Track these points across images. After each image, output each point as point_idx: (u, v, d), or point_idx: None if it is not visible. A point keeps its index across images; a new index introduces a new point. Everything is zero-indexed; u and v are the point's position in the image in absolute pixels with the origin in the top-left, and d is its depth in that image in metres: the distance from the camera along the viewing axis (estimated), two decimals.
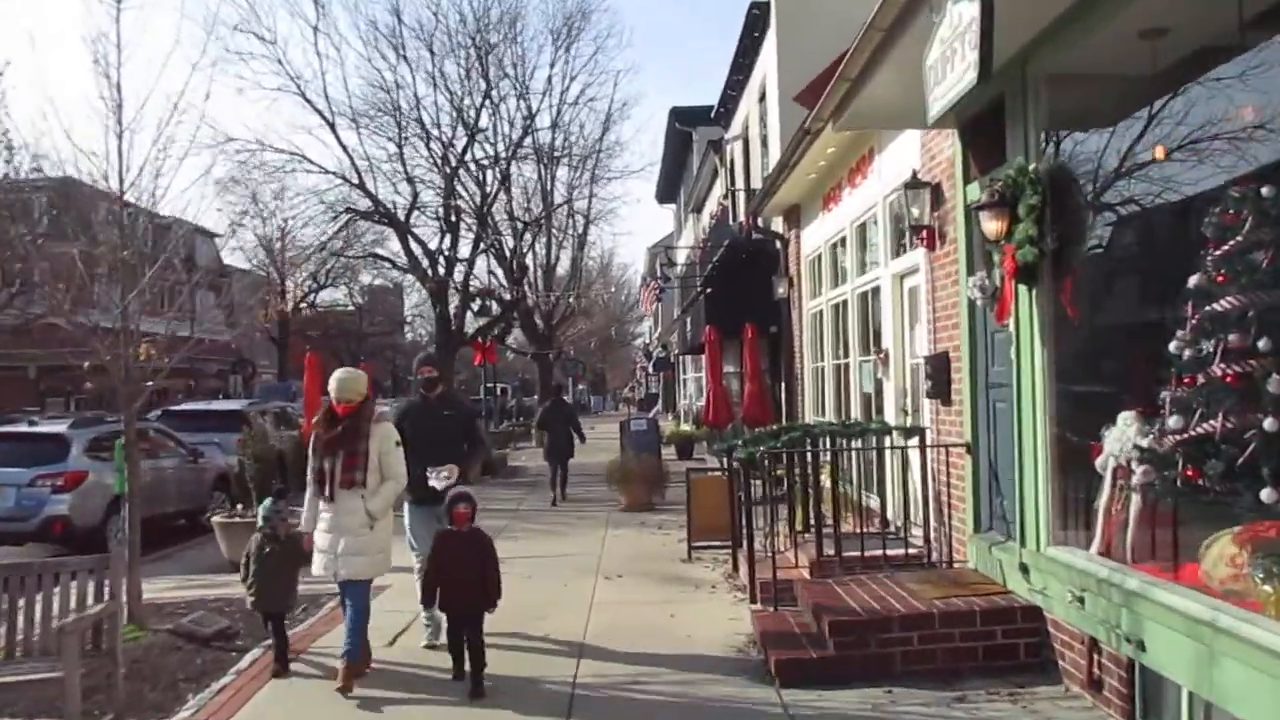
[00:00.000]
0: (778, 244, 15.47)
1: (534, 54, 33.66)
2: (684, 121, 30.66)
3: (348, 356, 69.40)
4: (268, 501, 7.05)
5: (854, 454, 9.02)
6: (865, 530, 8.12)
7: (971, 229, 7.14)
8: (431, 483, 7.01)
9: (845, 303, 11.62)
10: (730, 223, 17.27)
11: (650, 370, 52.97)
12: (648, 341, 67.44)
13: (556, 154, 25.34)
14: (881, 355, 9.69)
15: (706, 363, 14.94)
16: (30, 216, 39.09)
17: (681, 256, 28.12)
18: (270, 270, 62.95)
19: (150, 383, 8.83)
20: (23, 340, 39.03)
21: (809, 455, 8.63)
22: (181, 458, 14.76)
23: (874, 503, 8.80)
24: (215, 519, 11.39)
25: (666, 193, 42.63)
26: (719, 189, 23.89)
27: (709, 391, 14.90)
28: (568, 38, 25.35)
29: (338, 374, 6.53)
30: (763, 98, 17.04)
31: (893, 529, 8.66)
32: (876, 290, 10.23)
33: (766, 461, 8.54)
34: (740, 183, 18.66)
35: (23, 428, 13.55)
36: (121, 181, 8.30)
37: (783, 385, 15.50)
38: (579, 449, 17.52)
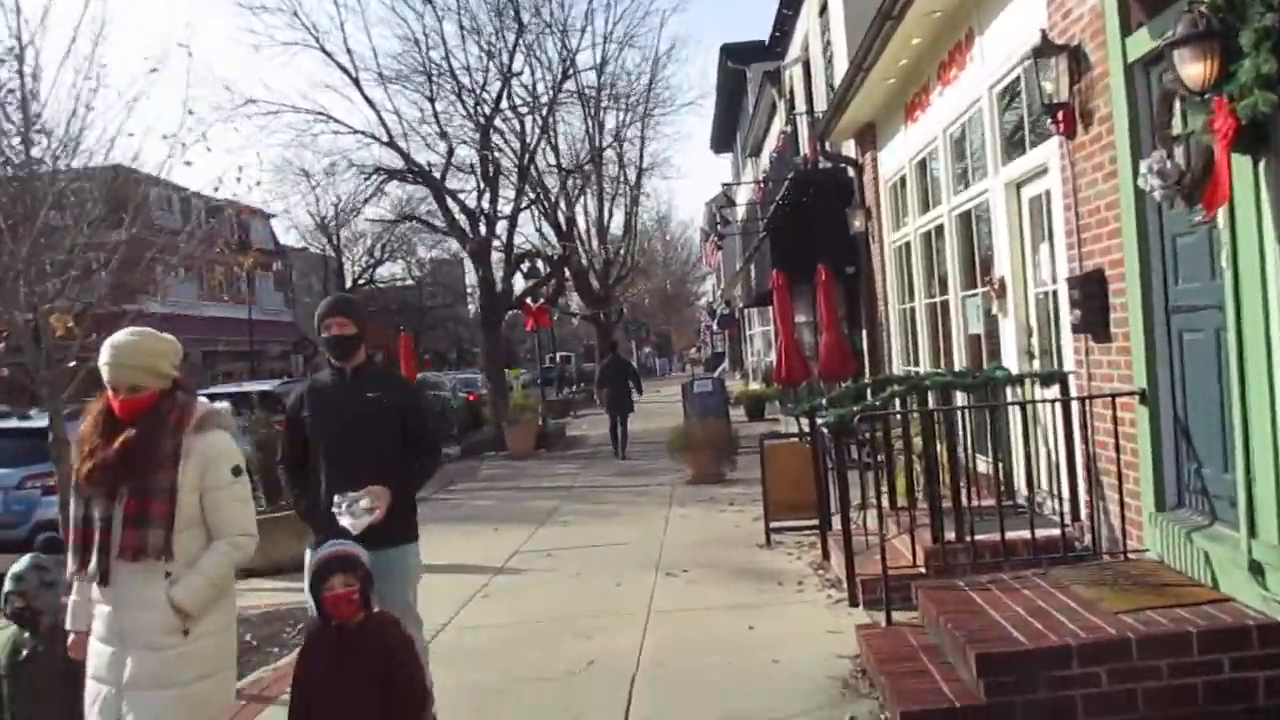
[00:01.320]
0: (850, 172, 13.50)
1: None
2: (736, 59, 28.51)
3: (409, 331, 69.36)
4: (22, 562, 4.02)
5: (972, 411, 7.16)
6: (981, 504, 6.34)
7: (1135, 96, 5.21)
8: (343, 521, 4.14)
9: (940, 229, 9.69)
10: (794, 156, 15.34)
11: (715, 328, 51.08)
12: (711, 299, 65.57)
13: (601, 97, 23.47)
14: (995, 286, 7.78)
15: (775, 313, 13.11)
16: (82, 206, 38.98)
17: (742, 202, 26.16)
18: (326, 247, 62.63)
19: (74, 362, 7.17)
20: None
21: (918, 415, 6.77)
22: None
23: (987, 467, 6.98)
24: None
25: (722, 140, 40.47)
26: (778, 125, 21.83)
27: (780, 345, 13.07)
28: None
29: (112, 340, 3.57)
30: (824, 8, 15.00)
31: (1020, 501, 6.83)
32: (983, 208, 8.30)
33: (863, 425, 6.70)
34: (802, 108, 16.66)
35: (12, 423, 12.25)
36: None
37: (864, 333, 13.60)
38: (641, 412, 17.75)
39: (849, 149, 13.37)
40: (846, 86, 10.77)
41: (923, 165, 10.41)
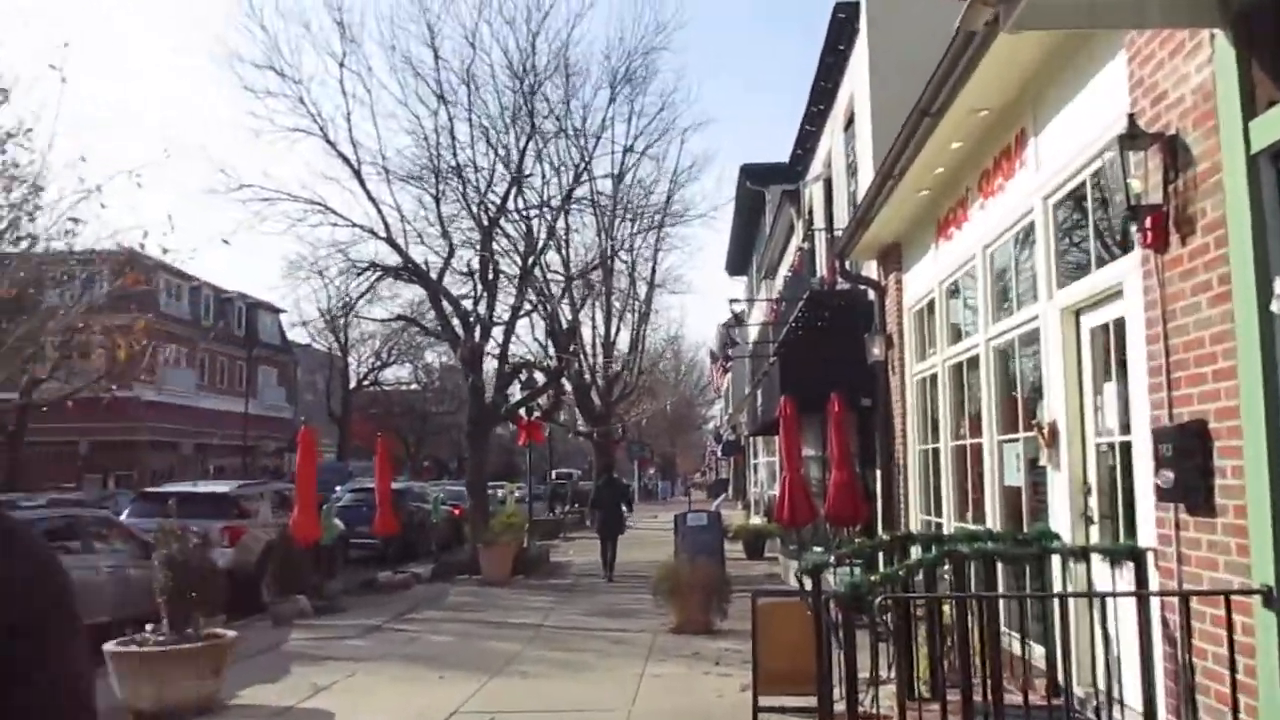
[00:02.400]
0: (870, 295, 12.35)
1: (589, 94, 31.45)
2: (756, 180, 27.85)
3: (411, 436, 67.85)
4: None
5: (1018, 586, 5.75)
6: (1028, 700, 4.90)
7: (1260, 196, 3.98)
8: None
9: (973, 361, 8.43)
10: (810, 276, 14.26)
11: (719, 454, 49.61)
12: (719, 424, 64.20)
13: (615, 206, 22.60)
14: (1045, 432, 6.45)
15: (781, 444, 11.78)
16: (76, 287, 38.31)
17: (755, 323, 25.07)
18: (333, 347, 61.92)
19: None
20: (62, 414, 37.62)
21: (951, 591, 5.35)
22: (128, 553, 11.99)
23: (1034, 652, 5.56)
24: (109, 646, 8.38)
25: (738, 263, 39.75)
26: (795, 245, 20.88)
27: (784, 481, 11.69)
28: (627, 81, 22.74)
29: None
30: (849, 123, 14.09)
31: (1075, 704, 5.36)
32: (1030, 337, 7.05)
33: (881, 602, 5.28)
34: (821, 225, 15.63)
35: None
36: None
37: (878, 474, 12.21)
38: (635, 539, 18.53)
39: (870, 270, 12.24)
40: (873, 198, 9.66)
41: (954, 289, 9.22)
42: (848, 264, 12.09)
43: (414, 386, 66.16)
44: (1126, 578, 5.01)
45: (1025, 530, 6.83)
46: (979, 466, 8.34)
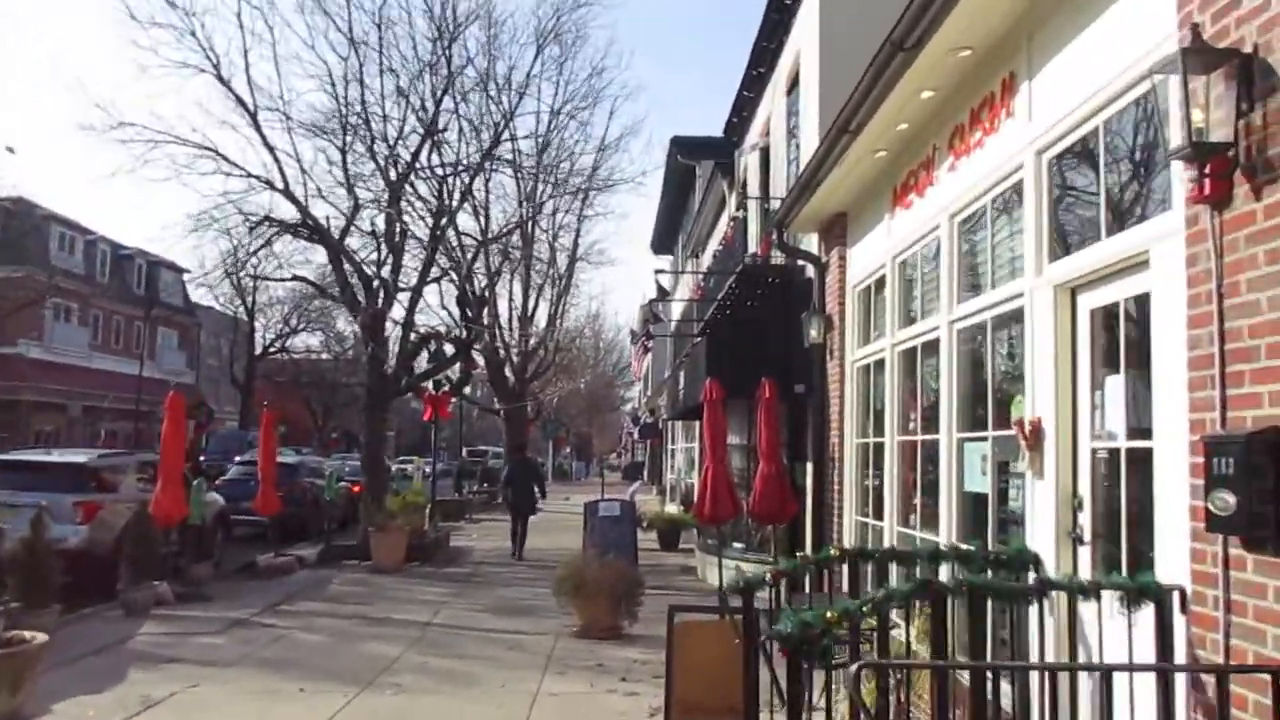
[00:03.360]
0: (809, 271, 11.28)
1: (514, 52, 29.84)
2: (687, 153, 26.64)
3: (319, 407, 65.35)
4: None
5: (994, 616, 4.69)
6: None
7: None
8: None
9: (931, 346, 7.37)
10: (743, 251, 13.13)
11: (636, 436, 48.59)
12: (636, 406, 63.21)
13: (539, 170, 21.21)
14: (1026, 433, 5.38)
15: (705, 432, 10.64)
16: None
17: (678, 307, 23.93)
18: (239, 310, 59.21)
19: None
20: None
21: (928, 635, 4.25)
22: None
23: (1007, 698, 4.53)
24: None
25: (664, 241, 38.58)
26: (727, 218, 19.77)
27: (707, 472, 10.56)
28: (555, 37, 21.31)
29: None
30: (793, 86, 12.97)
31: None
32: (1007, 319, 5.99)
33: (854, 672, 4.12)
34: (758, 204, 14.50)
35: None
36: None
37: (808, 467, 11.18)
38: (545, 523, 18.50)
39: (810, 245, 11.15)
40: (822, 158, 8.53)
41: (910, 264, 8.15)
42: (786, 236, 10.98)
43: (324, 356, 63.80)
44: (1144, 624, 3.95)
45: (991, 547, 5.79)
46: (932, 467, 7.30)
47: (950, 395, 6.79)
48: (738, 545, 13.03)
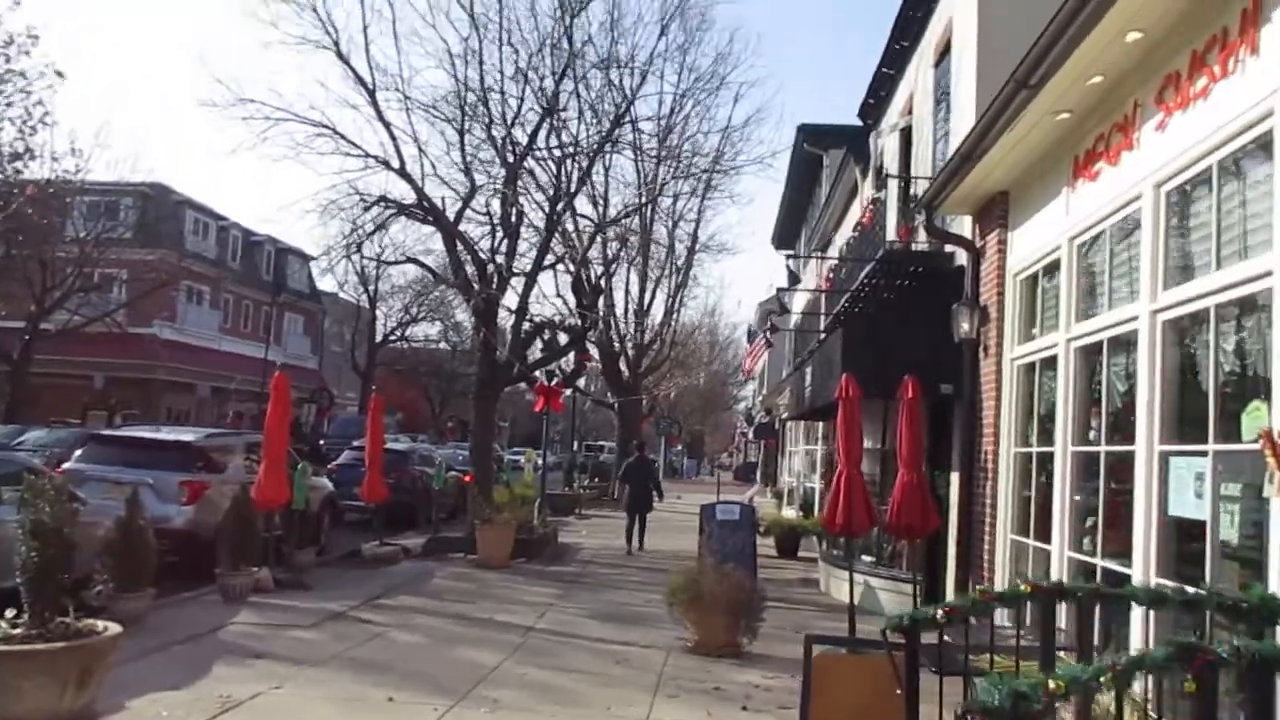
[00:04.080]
0: (960, 258, 10.14)
1: (638, 33, 29.09)
2: (814, 142, 25.52)
3: (437, 395, 66.04)
4: None
5: None
6: None
7: None
8: None
9: (1123, 340, 6.23)
10: (882, 237, 11.96)
11: (750, 437, 47.43)
12: (750, 405, 62.03)
13: (660, 153, 20.31)
14: (1278, 447, 4.25)
15: (839, 433, 9.59)
16: (106, 217, 36.61)
17: (800, 303, 22.82)
18: (361, 299, 60.27)
19: None
20: (73, 348, 36.12)
21: None
22: None
23: None
24: None
25: (785, 237, 37.38)
26: (858, 211, 18.58)
27: (840, 478, 9.50)
28: (679, 14, 20.40)
29: None
30: (942, 56, 11.80)
31: None
32: (1239, 308, 4.85)
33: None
34: (886, 191, 13.28)
35: None
36: None
37: (953, 476, 10.04)
38: (657, 522, 18.37)
39: (961, 229, 10.01)
40: (988, 124, 7.43)
41: (1093, 246, 6.99)
42: (935, 219, 9.85)
43: (442, 345, 64.45)
44: None
45: (1209, 585, 4.66)
46: (1119, 484, 6.16)
47: (1152, 400, 5.65)
48: (867, 558, 11.94)
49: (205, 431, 14.99)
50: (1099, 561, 6.35)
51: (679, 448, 73.91)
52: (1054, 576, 7.07)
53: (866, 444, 12.30)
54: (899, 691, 4.17)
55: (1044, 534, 7.57)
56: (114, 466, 12.68)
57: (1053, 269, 7.72)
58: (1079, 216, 7.04)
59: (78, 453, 13.62)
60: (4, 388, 33.71)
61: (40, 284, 31.76)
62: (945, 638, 4.39)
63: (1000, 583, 8.47)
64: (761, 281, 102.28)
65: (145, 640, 8.61)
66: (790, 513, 21.43)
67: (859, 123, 18.83)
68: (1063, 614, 5.66)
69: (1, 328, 31.91)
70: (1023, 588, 4.27)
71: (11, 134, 25.38)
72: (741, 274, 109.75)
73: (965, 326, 9.28)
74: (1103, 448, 6.49)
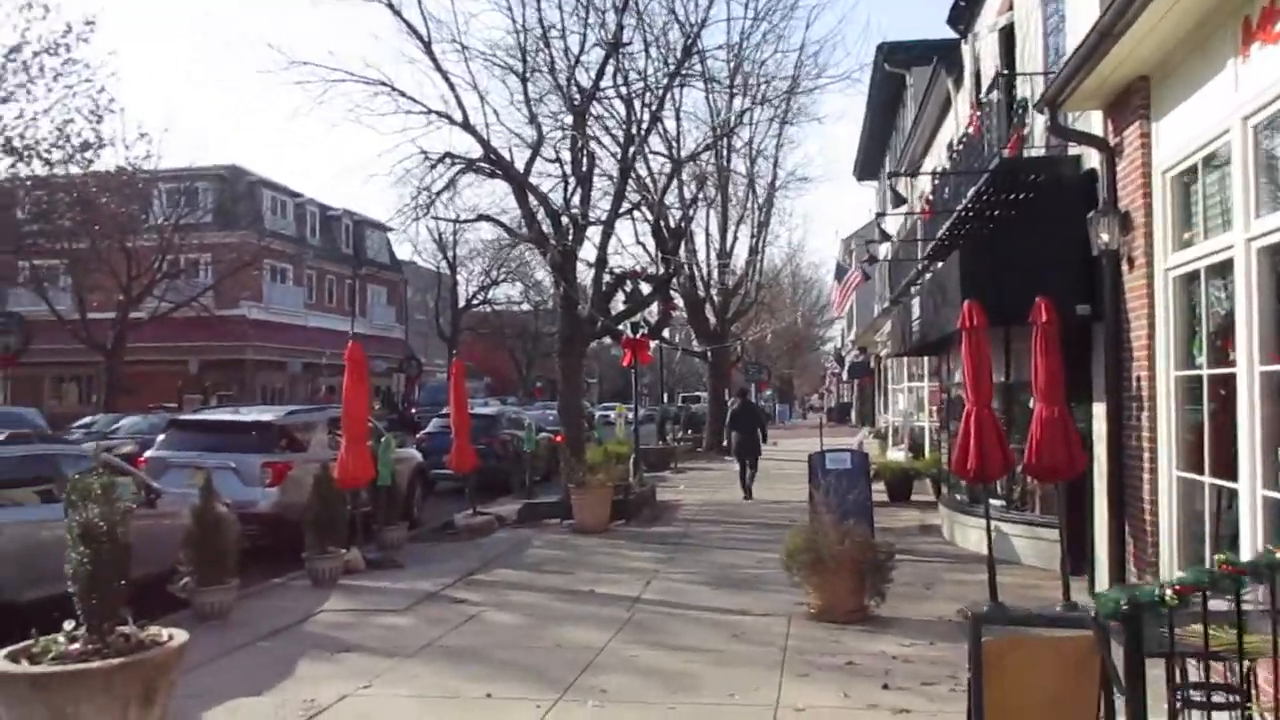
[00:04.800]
0: (1091, 160, 8.95)
1: None
2: (897, 61, 23.97)
3: (523, 357, 65.90)
4: None
5: None
6: None
7: None
8: None
9: None
10: (995, 145, 10.72)
11: (845, 376, 46.13)
12: (839, 345, 60.53)
13: (732, 82, 19.19)
14: None
15: (966, 367, 8.57)
16: (185, 203, 36.83)
17: (892, 228, 21.48)
18: (441, 265, 60.15)
19: None
20: (165, 334, 36.59)
21: None
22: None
23: None
24: None
25: (868, 167, 35.75)
26: (952, 128, 17.19)
27: (969, 418, 8.51)
28: None
29: None
30: None
31: None
32: None
33: None
34: (999, 92, 11.95)
35: None
36: None
37: (1095, 408, 8.94)
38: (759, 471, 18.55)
39: (1091, 124, 8.80)
40: None
41: (1274, 126, 5.82)
42: (1059, 117, 8.64)
43: (525, 306, 64.14)
44: None
45: None
46: None
47: None
48: (995, 502, 10.90)
49: (286, 409, 14.54)
50: None
51: (768, 392, 72.88)
52: (1244, 520, 6.03)
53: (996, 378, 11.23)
54: (1116, 692, 3.25)
55: (1225, 469, 6.48)
56: (195, 452, 12.30)
57: (1215, 160, 6.55)
58: (1255, 90, 5.86)
59: (159, 439, 13.30)
60: (101, 377, 34.32)
61: (126, 273, 32.06)
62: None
63: (1167, 526, 7.41)
64: (844, 217, 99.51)
65: (230, 636, 8.12)
66: (897, 454, 20.35)
67: (945, 36, 17.41)
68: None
69: (94, 319, 32.42)
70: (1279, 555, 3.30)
71: (80, 124, 25.39)
72: (823, 210, 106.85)
73: (1105, 237, 8.13)
74: None
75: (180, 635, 5.82)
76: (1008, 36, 12.63)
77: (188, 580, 8.85)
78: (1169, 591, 3.27)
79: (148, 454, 12.88)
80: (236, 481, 11.92)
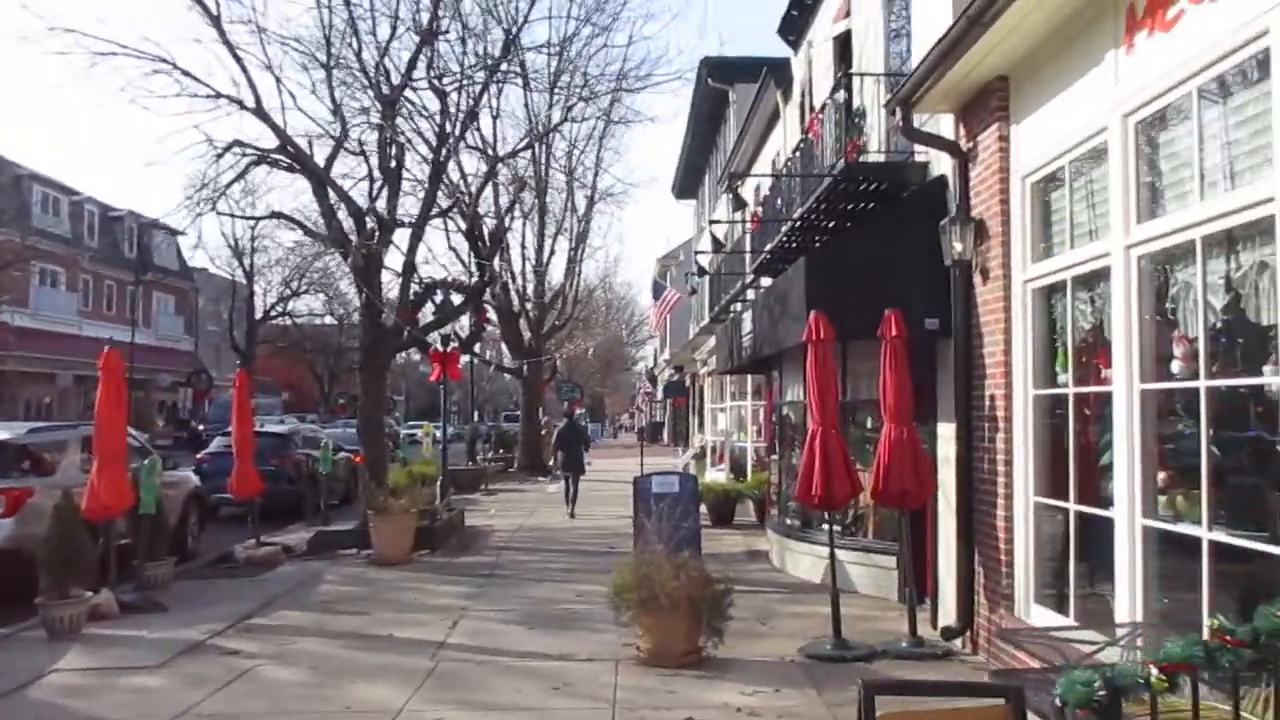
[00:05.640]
0: (936, 167, 8.49)
1: None
2: (720, 76, 23.74)
3: (325, 372, 62.63)
4: None
5: None
6: None
7: None
8: None
9: (1220, 239, 4.59)
10: (833, 150, 10.16)
11: (659, 396, 45.89)
12: (651, 364, 60.59)
13: (555, 80, 18.26)
14: None
15: (810, 385, 7.86)
16: None
17: (706, 241, 21.06)
18: (237, 273, 56.39)
19: None
20: None
21: None
22: None
23: None
24: None
25: (687, 185, 35.65)
26: (777, 144, 16.84)
27: (814, 440, 7.81)
28: None
29: None
30: None
31: None
32: None
33: None
34: (843, 91, 11.47)
35: None
36: None
37: (944, 429, 8.42)
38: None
39: (941, 127, 8.33)
40: None
41: (1166, 119, 5.34)
42: (910, 120, 8.10)
43: (328, 319, 61.11)
44: None
45: None
46: (1236, 429, 4.53)
47: None
48: (823, 526, 10.28)
49: (28, 426, 12.50)
50: (1204, 533, 4.74)
51: (580, 411, 72.20)
52: (1120, 553, 5.49)
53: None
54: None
55: (1093, 496, 5.98)
56: None
57: (1088, 161, 6.07)
58: (1139, 84, 5.37)
59: None
60: None
61: None
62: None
63: (1023, 556, 6.89)
64: (660, 238, 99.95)
65: None
66: (718, 475, 19.81)
67: (770, 54, 17.15)
68: None
69: None
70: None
71: None
72: (638, 230, 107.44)
73: (959, 246, 7.61)
74: (1202, 382, 4.86)
75: None
76: (843, 45, 12.23)
77: None
78: (1154, 671, 2.48)
79: None
80: None
